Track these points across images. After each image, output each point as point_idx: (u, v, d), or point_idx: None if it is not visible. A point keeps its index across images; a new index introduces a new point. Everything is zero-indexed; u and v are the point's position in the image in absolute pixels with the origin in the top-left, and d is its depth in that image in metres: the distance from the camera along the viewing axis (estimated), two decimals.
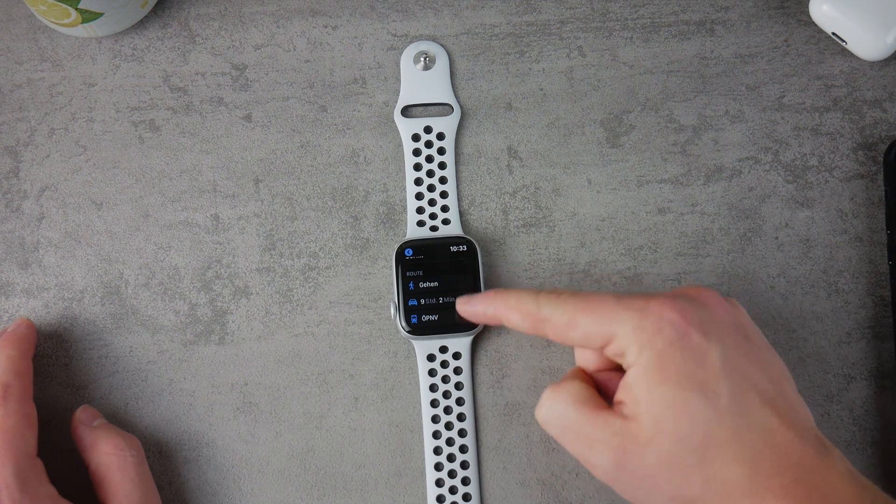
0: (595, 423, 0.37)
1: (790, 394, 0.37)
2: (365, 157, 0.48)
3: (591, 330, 0.37)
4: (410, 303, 0.45)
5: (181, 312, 0.46)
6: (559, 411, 0.38)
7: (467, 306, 0.42)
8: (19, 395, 0.41)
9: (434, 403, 0.46)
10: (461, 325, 0.45)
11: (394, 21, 0.49)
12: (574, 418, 0.37)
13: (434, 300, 0.45)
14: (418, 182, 0.48)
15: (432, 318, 0.45)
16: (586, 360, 0.41)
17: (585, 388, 0.38)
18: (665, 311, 0.36)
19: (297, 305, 0.47)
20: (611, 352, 0.38)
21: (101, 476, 0.41)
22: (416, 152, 0.48)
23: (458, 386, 0.46)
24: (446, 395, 0.46)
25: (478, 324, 0.45)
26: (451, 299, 0.45)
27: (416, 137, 0.48)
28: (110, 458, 0.41)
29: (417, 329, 0.45)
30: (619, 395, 0.37)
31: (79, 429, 0.43)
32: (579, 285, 0.47)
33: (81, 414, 0.43)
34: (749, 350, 0.37)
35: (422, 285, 0.45)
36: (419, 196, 0.48)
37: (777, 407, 0.36)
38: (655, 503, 0.37)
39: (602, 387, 0.40)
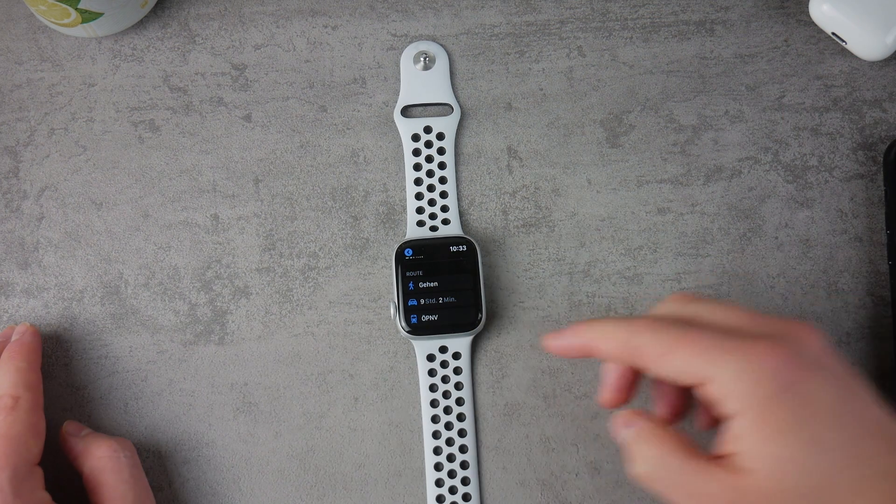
0: (708, 479, 0.33)
1: None
2: (365, 157, 0.48)
3: (685, 366, 0.34)
4: (410, 303, 0.45)
5: (181, 312, 0.46)
6: (666, 466, 0.35)
7: (556, 341, 0.39)
8: (29, 406, 0.41)
9: (434, 403, 0.46)
10: (461, 326, 0.45)
11: (394, 21, 0.49)
12: (683, 474, 0.34)
13: (434, 300, 0.45)
14: (418, 182, 0.48)
15: (432, 318, 0.45)
16: (661, 399, 0.39)
17: (683, 437, 0.35)
18: (768, 359, 0.33)
19: (297, 305, 0.47)
20: (703, 394, 0.34)
21: (95, 480, 0.41)
22: (416, 152, 0.48)
23: (458, 386, 0.46)
24: (446, 395, 0.46)
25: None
26: (451, 299, 0.45)
27: (415, 137, 0.48)
28: (104, 461, 0.41)
29: (417, 329, 0.45)
30: (728, 447, 0.34)
31: (69, 440, 0.43)
32: (579, 285, 0.47)
33: (69, 427, 0.43)
34: (857, 386, 0.34)
35: (422, 285, 0.45)
36: (419, 196, 0.48)
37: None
38: None
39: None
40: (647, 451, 0.35)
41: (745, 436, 0.33)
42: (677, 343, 0.34)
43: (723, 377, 0.33)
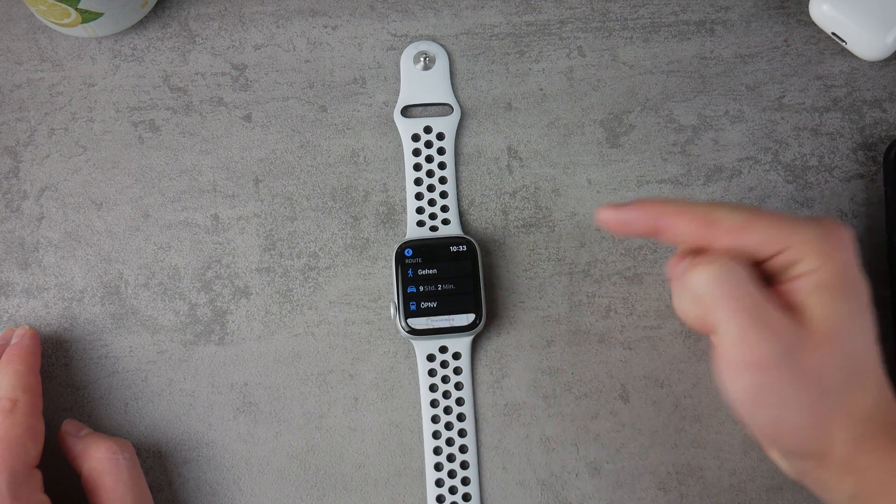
0: (775, 306, 0.36)
1: None
2: (365, 157, 0.48)
3: (767, 235, 0.36)
4: (409, 290, 0.45)
5: (181, 312, 0.46)
6: (737, 279, 0.36)
7: (617, 214, 0.38)
8: (27, 409, 0.41)
9: (434, 403, 0.46)
10: (461, 328, 0.45)
11: (394, 21, 0.49)
12: (754, 293, 0.36)
13: (433, 287, 0.45)
14: (418, 182, 0.48)
15: (431, 304, 0.45)
16: None
17: (758, 271, 0.37)
18: (843, 229, 0.37)
19: (297, 305, 0.47)
20: (779, 262, 0.37)
21: (93, 481, 0.41)
22: (416, 152, 0.48)
23: (458, 386, 0.46)
24: (446, 395, 0.46)
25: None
26: (450, 286, 0.45)
27: (415, 137, 0.48)
28: (102, 462, 0.41)
29: (417, 330, 0.45)
30: (797, 296, 0.36)
31: (68, 440, 0.42)
32: (579, 285, 0.47)
33: (68, 426, 0.43)
34: None
35: (421, 272, 0.45)
36: (419, 196, 0.48)
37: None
38: (794, 410, 0.36)
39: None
40: (725, 264, 0.36)
41: (812, 293, 0.36)
42: (757, 216, 0.37)
43: (805, 241, 0.36)
